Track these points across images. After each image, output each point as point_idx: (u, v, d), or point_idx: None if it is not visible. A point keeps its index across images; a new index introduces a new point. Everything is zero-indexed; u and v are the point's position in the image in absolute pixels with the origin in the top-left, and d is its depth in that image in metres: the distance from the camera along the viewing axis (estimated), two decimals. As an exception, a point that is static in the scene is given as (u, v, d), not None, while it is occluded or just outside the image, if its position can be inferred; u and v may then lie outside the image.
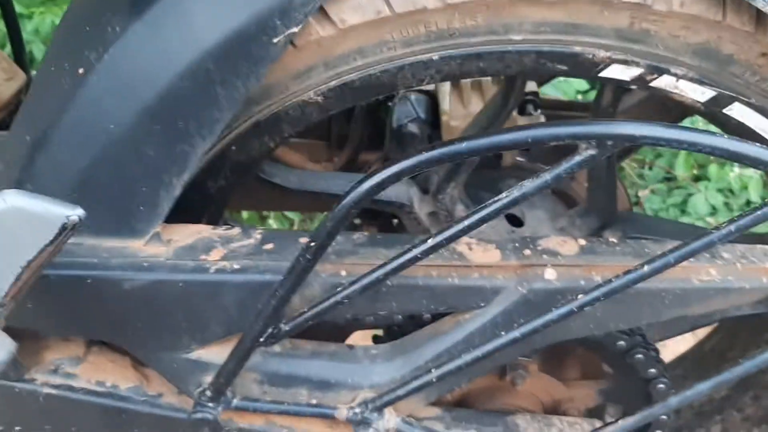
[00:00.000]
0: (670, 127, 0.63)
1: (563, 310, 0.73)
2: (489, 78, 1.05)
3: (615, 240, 0.81)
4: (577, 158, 0.65)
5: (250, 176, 0.96)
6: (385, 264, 0.72)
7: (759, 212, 0.67)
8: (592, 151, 0.64)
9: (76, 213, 0.58)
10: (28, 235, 0.58)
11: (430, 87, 1.09)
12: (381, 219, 1.12)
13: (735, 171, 2.27)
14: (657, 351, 0.89)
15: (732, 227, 0.68)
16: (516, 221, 1.05)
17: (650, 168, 2.42)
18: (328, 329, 0.89)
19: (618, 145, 0.63)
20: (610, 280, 0.72)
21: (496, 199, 0.68)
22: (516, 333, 0.75)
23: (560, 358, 0.94)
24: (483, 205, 0.69)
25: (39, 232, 0.57)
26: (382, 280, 0.73)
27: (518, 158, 1.09)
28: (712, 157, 2.40)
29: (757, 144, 0.64)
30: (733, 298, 0.78)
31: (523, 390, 0.92)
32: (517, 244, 0.81)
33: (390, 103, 1.13)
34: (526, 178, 1.09)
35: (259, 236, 0.82)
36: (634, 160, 2.41)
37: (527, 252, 0.80)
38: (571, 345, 0.93)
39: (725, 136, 0.63)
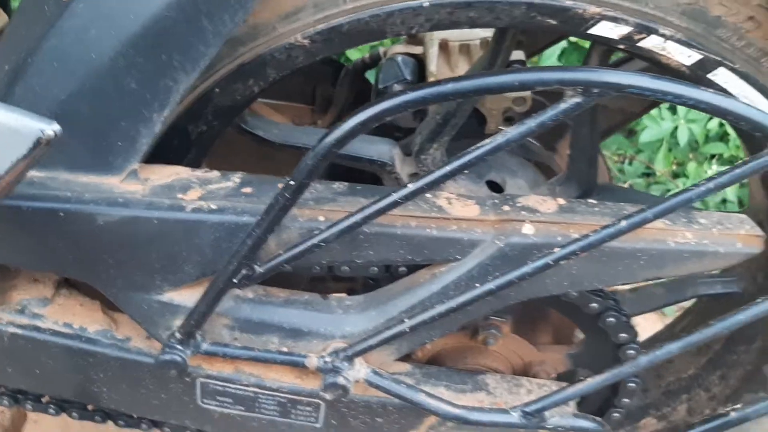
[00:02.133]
0: (657, 77, 0.63)
1: (539, 263, 0.74)
2: (477, 42, 1.04)
3: (594, 201, 0.82)
4: (563, 105, 0.65)
5: (232, 124, 0.94)
6: (363, 209, 0.72)
7: (737, 170, 0.67)
8: (577, 99, 0.64)
9: (52, 128, 0.56)
10: (1, 147, 0.56)
11: (418, 50, 1.08)
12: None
13: (713, 168, 2.29)
14: (628, 317, 0.89)
15: (710, 184, 0.68)
16: (496, 188, 1.05)
17: (630, 162, 2.44)
18: (305, 283, 0.88)
19: (604, 93, 0.63)
20: (587, 235, 0.72)
21: (479, 145, 0.68)
22: (491, 285, 0.75)
23: (533, 321, 0.94)
24: (466, 150, 0.69)
25: (12, 146, 0.56)
26: (359, 224, 0.72)
27: (501, 127, 1.09)
28: (690, 155, 2.44)
29: (742, 101, 0.64)
30: (707, 262, 0.78)
31: (494, 351, 0.92)
32: (496, 201, 0.81)
33: (376, 67, 1.12)
34: (517, 150, 1.10)
35: (238, 180, 0.81)
36: (615, 154, 2.43)
37: (506, 208, 0.80)
38: (545, 308, 0.93)
39: (711, 91, 0.64)
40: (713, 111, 0.64)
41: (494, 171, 1.05)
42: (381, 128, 1.07)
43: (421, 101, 0.65)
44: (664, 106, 2.18)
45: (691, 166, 2.34)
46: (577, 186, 1.00)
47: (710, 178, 0.68)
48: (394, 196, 0.70)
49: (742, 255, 0.78)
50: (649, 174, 2.40)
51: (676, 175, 2.36)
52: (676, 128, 2.22)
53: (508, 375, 0.90)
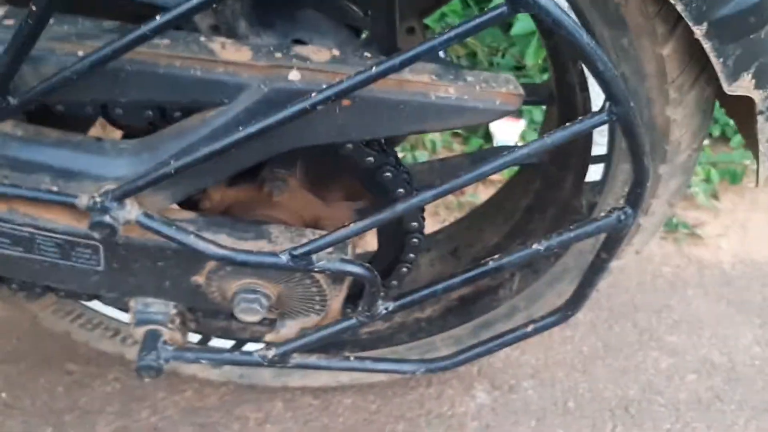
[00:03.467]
0: None
1: (297, 107, 0.75)
2: None
3: (369, 55, 0.83)
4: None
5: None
6: (114, 41, 0.71)
7: (475, 21, 0.69)
8: None
9: None
10: None
11: None
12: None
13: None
14: (409, 174, 0.93)
15: (452, 33, 0.70)
16: (303, 47, 1.05)
17: (503, 56, 2.47)
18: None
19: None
20: (341, 81, 0.74)
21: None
22: (252, 129, 0.76)
23: (323, 177, 0.97)
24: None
25: None
26: (109, 57, 0.72)
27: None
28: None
29: None
30: (467, 117, 0.82)
31: (282, 203, 0.95)
32: (272, 48, 0.81)
33: None
34: (321, 7, 1.10)
35: (2, 12, 0.78)
36: (488, 47, 2.46)
37: (278, 55, 0.81)
38: (332, 165, 0.96)
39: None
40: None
41: (302, 30, 1.05)
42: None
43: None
44: None
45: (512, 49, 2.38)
46: (378, 49, 1.01)
47: (453, 28, 0.70)
48: (144, 29, 0.70)
49: (500, 112, 0.82)
50: (519, 68, 2.45)
51: (545, 70, 2.42)
52: (546, 22, 2.24)
53: (292, 226, 0.93)
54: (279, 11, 1.06)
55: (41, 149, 0.82)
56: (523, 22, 2.28)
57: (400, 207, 0.81)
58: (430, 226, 1.59)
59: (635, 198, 0.83)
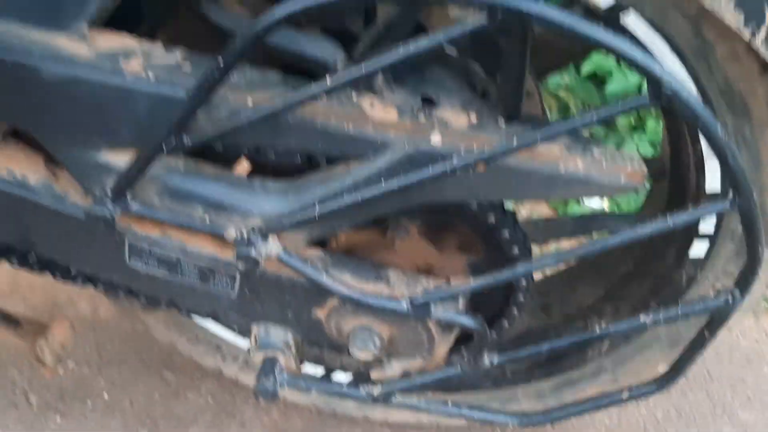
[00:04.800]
0: (559, 11, 0.70)
1: (438, 169, 0.82)
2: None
3: (505, 123, 0.89)
4: (469, 24, 0.72)
5: (189, 7, 1.00)
6: (284, 97, 0.79)
7: (618, 105, 0.75)
8: (483, 20, 0.71)
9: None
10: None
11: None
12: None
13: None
14: (525, 235, 0.99)
15: (594, 115, 0.76)
16: (431, 105, 1.12)
17: (592, 111, 2.50)
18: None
19: (505, 16, 0.70)
20: (482, 149, 0.81)
21: (391, 51, 0.75)
22: (394, 184, 0.83)
23: (439, 227, 1.03)
24: (381, 55, 0.76)
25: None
26: (280, 110, 0.79)
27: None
28: (652, 110, 2.51)
29: (629, 41, 0.71)
30: (592, 189, 0.87)
31: (400, 249, 1.01)
32: (415, 110, 0.88)
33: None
34: (448, 66, 1.17)
35: (180, 56, 0.87)
36: (582, 103, 2.49)
37: (422, 117, 0.87)
38: (452, 217, 1.01)
39: (599, 25, 0.71)
40: (599, 45, 0.71)
41: (432, 88, 1.12)
42: (330, 30, 1.13)
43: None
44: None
45: (651, 123, 2.42)
46: (502, 111, 1.08)
47: (593, 110, 0.76)
48: (314, 88, 0.78)
49: (624, 188, 0.87)
50: (608, 124, 2.47)
51: (634, 128, 2.44)
52: (642, 83, 2.28)
53: (409, 272, 0.99)
54: (410, 68, 1.14)
55: (199, 182, 0.91)
56: (619, 81, 2.32)
57: (521, 269, 0.87)
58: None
59: (745, 282, 0.87)
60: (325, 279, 0.90)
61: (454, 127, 0.87)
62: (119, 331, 1.61)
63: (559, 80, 2.38)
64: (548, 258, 0.86)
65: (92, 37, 0.84)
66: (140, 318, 1.37)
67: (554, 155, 0.86)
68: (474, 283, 0.88)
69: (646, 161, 1.24)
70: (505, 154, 0.80)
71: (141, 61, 0.84)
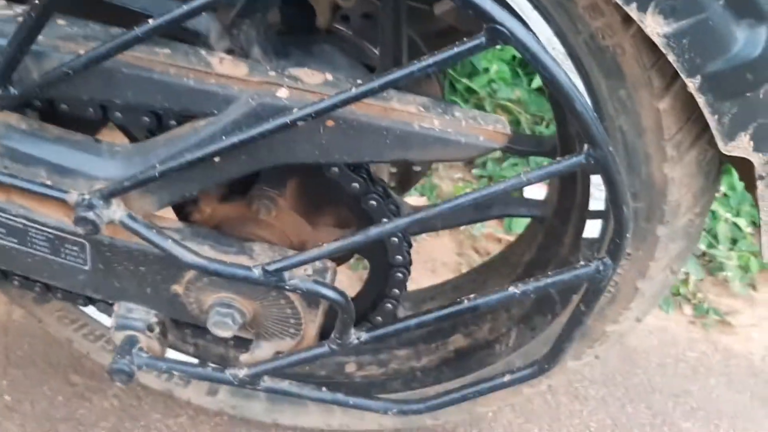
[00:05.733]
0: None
1: (279, 121, 0.77)
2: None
3: (361, 80, 0.85)
4: None
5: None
6: (108, 42, 0.75)
7: (455, 50, 0.70)
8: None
9: None
10: None
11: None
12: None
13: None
14: (397, 206, 0.94)
15: (430, 61, 0.71)
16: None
17: (547, 126, 2.47)
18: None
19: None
20: (322, 99, 0.76)
21: None
22: (234, 138, 0.79)
23: (311, 201, 0.98)
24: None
25: None
26: (103, 56, 0.75)
27: (336, 25, 1.12)
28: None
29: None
30: (450, 150, 0.82)
31: (268, 222, 0.96)
32: (268, 68, 0.84)
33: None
34: (339, 45, 1.13)
35: (20, 10, 0.84)
36: (531, 115, 2.46)
37: (272, 73, 0.83)
38: (323, 190, 0.96)
39: None
40: None
41: (316, 64, 1.08)
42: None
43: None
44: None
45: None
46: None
47: (431, 55, 0.71)
48: (136, 31, 0.74)
49: (483, 148, 0.83)
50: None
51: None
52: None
53: (277, 246, 0.94)
54: (296, 43, 1.10)
55: (41, 144, 0.86)
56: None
57: (373, 231, 0.81)
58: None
59: (615, 249, 0.81)
60: (170, 245, 0.85)
61: (305, 83, 0.83)
62: (28, 331, 1.55)
63: (510, 93, 2.35)
64: (401, 220, 0.80)
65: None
66: (35, 313, 1.31)
67: (409, 113, 0.82)
68: (328, 247, 0.83)
69: (541, 139, 1.21)
70: (346, 103, 0.75)
71: (-30, 11, 0.80)
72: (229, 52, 1.04)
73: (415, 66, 0.72)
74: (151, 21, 0.73)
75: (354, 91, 0.74)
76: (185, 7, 0.72)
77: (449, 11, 1.17)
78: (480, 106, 2.31)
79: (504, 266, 1.26)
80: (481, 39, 0.69)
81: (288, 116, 0.77)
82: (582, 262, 0.83)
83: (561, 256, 1.10)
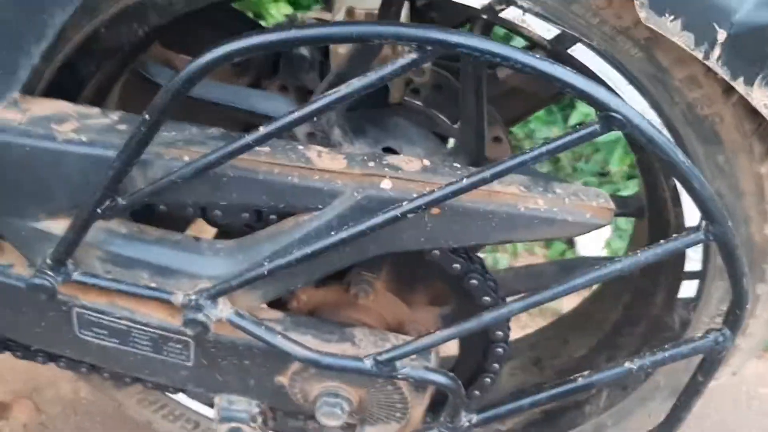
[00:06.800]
0: (486, 39, 0.66)
1: (389, 214, 0.77)
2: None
3: (459, 165, 0.85)
4: (400, 61, 0.68)
5: (127, 69, 0.98)
6: (219, 149, 0.75)
7: (569, 137, 0.70)
8: (414, 55, 0.67)
9: None
10: None
11: (328, 17, 1.12)
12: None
13: (665, 172, 2.32)
14: (495, 282, 0.93)
15: (544, 149, 0.71)
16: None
17: (586, 161, 2.47)
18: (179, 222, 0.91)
19: (437, 51, 0.67)
20: (432, 191, 0.76)
21: (325, 94, 0.71)
22: (344, 234, 0.78)
23: (407, 280, 0.98)
24: (317, 97, 0.72)
25: None
26: (214, 163, 0.76)
27: (407, 98, 1.13)
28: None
29: (568, 68, 0.67)
30: (556, 229, 0.82)
31: (366, 306, 0.96)
32: (365, 158, 0.84)
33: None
34: (411, 117, 1.14)
35: (116, 117, 0.84)
36: (571, 151, 2.46)
37: (371, 164, 0.83)
38: (420, 269, 0.96)
39: (537, 56, 0.67)
40: (542, 75, 0.67)
41: (392, 138, 1.09)
42: (287, 88, 1.11)
43: (264, 46, 0.68)
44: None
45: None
46: (466, 157, 1.04)
47: (544, 143, 0.71)
48: (247, 138, 0.74)
49: (591, 225, 0.82)
50: (603, 174, 2.43)
51: (629, 177, 2.39)
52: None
53: (376, 330, 0.94)
54: (370, 120, 1.11)
55: (143, 246, 0.87)
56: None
57: (487, 317, 0.81)
58: (512, 331, 1.56)
59: (734, 320, 0.80)
60: (280, 341, 0.84)
61: (406, 172, 0.83)
62: (101, 411, 1.55)
63: (548, 132, 2.35)
64: (515, 305, 0.80)
65: (25, 105, 0.82)
66: (113, 396, 1.31)
67: (512, 195, 0.81)
68: (440, 335, 0.82)
69: (624, 200, 1.20)
70: (457, 194, 0.75)
71: (75, 125, 0.81)
72: (310, 135, 1.05)
73: (528, 155, 0.72)
74: (262, 128, 0.73)
75: (465, 182, 0.74)
76: (297, 113, 0.72)
77: (513, 74, 1.18)
78: (519, 147, 2.31)
79: (587, 324, 1.25)
80: (595, 126, 0.69)
81: (398, 209, 0.77)
82: (699, 334, 0.82)
83: (652, 315, 1.09)
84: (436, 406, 0.95)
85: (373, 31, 0.67)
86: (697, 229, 0.74)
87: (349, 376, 0.90)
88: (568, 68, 0.67)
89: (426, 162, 0.84)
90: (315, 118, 1.02)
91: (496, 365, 0.99)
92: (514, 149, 1.23)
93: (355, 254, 0.84)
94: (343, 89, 0.70)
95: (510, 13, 0.79)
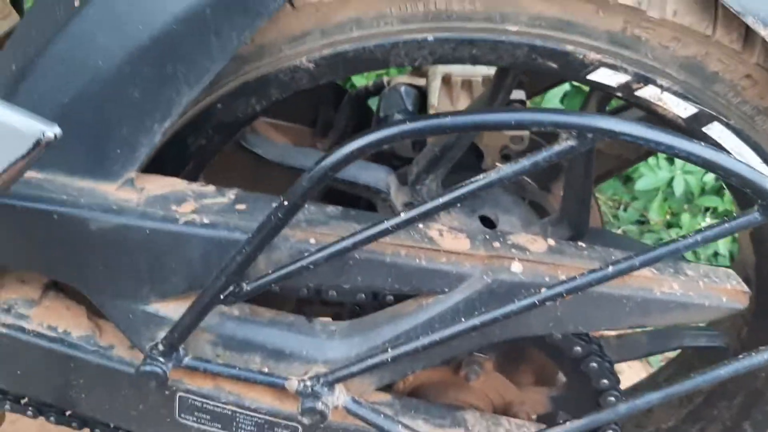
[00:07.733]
0: (650, 127, 0.64)
1: (525, 302, 0.74)
2: (479, 78, 1.06)
3: (583, 245, 0.82)
4: (557, 147, 0.65)
5: (231, 141, 0.95)
6: (354, 234, 0.72)
7: (725, 225, 0.68)
8: (572, 142, 0.65)
9: (52, 130, 0.57)
10: (1, 146, 0.57)
11: (421, 82, 1.10)
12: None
13: (706, 221, 2.30)
14: (611, 363, 0.90)
15: (698, 237, 0.69)
16: (489, 224, 1.06)
17: (625, 209, 2.45)
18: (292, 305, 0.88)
19: (597, 138, 0.64)
20: (574, 278, 0.73)
21: (471, 180, 0.69)
22: (476, 321, 0.75)
23: (516, 360, 0.94)
24: (460, 184, 0.69)
25: (12, 145, 0.57)
26: (349, 249, 0.73)
27: (497, 164, 1.10)
28: (685, 206, 2.45)
29: (733, 156, 0.65)
30: (692, 313, 0.79)
31: (475, 387, 0.92)
32: (487, 236, 0.81)
33: (379, 95, 1.14)
34: (513, 189, 1.11)
35: (233, 196, 0.81)
36: (610, 200, 2.45)
37: (496, 244, 0.80)
38: (528, 348, 0.93)
39: (703, 144, 0.64)
40: (704, 164, 0.65)
41: (488, 206, 1.06)
42: (380, 155, 1.09)
43: (419, 132, 0.66)
44: (662, 155, 2.20)
45: (685, 218, 2.36)
46: (568, 227, 1.01)
47: (698, 231, 0.69)
48: (386, 224, 0.71)
49: (727, 309, 0.79)
50: (643, 222, 2.41)
51: (669, 225, 2.37)
52: (672, 178, 2.24)
53: (487, 413, 0.90)
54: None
55: (255, 329, 0.83)
56: (649, 177, 2.27)
57: (624, 408, 0.77)
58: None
59: None
60: (400, 430, 0.80)
61: (534, 253, 0.80)
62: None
63: (589, 180, 2.33)
64: (654, 395, 0.77)
65: (141, 182, 0.79)
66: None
67: (646, 278, 0.78)
68: (571, 426, 0.79)
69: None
70: (600, 281, 0.72)
71: (193, 205, 0.78)
72: (407, 204, 1.03)
73: (681, 243, 0.69)
74: (403, 214, 0.70)
75: (611, 269, 0.71)
76: (441, 199, 0.69)
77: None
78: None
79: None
80: (755, 215, 0.67)
81: (535, 296, 0.73)
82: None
83: (753, 388, 1.06)
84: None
85: (532, 119, 0.65)
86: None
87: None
88: (733, 157, 0.65)
89: (551, 242, 0.82)
90: (417, 187, 1.01)
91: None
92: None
93: (481, 339, 0.80)
94: (492, 174, 0.68)
95: (646, 92, 0.77)
